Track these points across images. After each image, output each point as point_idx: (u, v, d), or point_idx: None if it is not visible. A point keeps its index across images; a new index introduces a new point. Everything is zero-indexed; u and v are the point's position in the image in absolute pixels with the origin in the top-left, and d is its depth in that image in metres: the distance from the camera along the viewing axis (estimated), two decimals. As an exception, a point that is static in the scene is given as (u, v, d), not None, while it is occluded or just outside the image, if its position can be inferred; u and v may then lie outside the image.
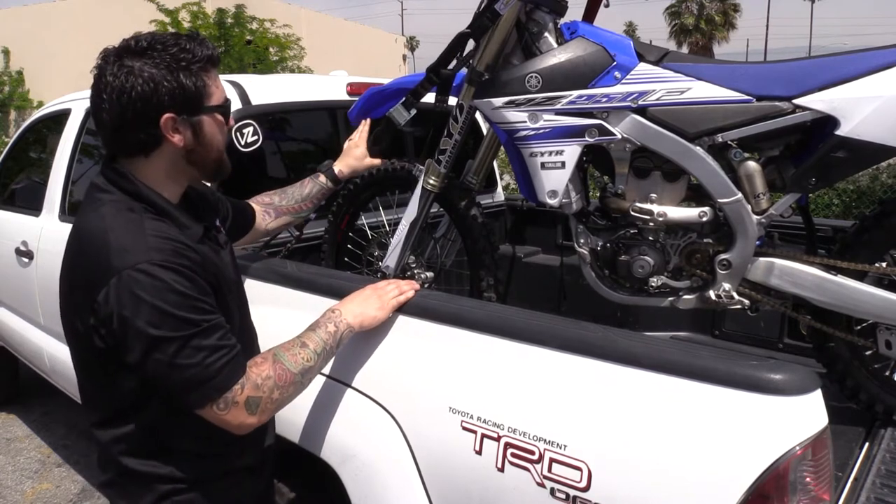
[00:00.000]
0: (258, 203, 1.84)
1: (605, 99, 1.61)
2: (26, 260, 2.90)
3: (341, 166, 1.99)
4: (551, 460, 1.18)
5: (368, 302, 1.45)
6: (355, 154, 2.01)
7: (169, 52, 1.18)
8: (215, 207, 1.54)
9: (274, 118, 2.55)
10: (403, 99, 1.88)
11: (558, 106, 1.63)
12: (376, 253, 2.18)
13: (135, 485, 1.27)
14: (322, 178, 1.95)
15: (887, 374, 1.74)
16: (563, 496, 1.17)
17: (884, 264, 1.63)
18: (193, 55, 1.20)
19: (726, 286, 1.67)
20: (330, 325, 1.37)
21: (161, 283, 1.11)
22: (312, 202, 1.93)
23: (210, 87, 1.24)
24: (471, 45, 1.77)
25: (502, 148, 1.83)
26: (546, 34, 1.72)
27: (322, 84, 2.76)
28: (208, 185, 1.58)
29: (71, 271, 1.22)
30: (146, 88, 1.16)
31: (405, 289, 1.50)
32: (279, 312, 1.68)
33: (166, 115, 1.19)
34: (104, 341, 1.15)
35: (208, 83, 1.23)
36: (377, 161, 2.02)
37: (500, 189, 3.40)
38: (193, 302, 1.15)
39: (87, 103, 2.85)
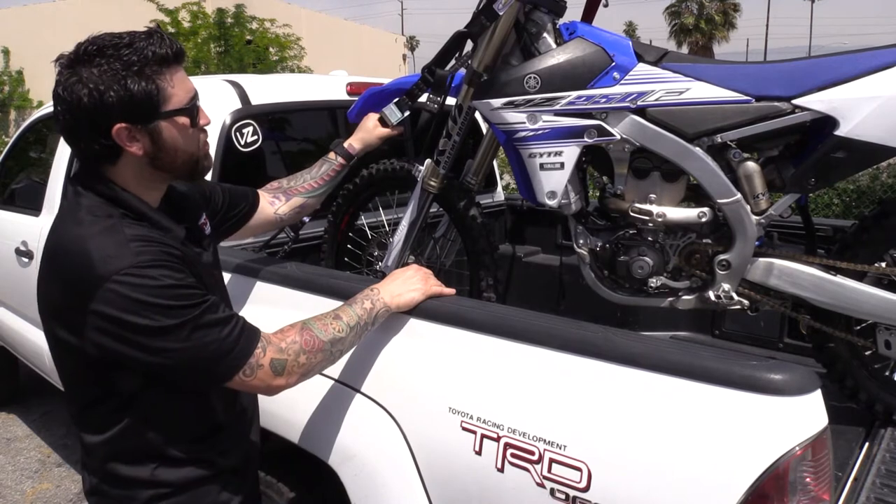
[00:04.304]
0: (266, 191, 1.79)
1: (603, 99, 1.61)
2: (26, 260, 2.90)
3: (352, 141, 1.91)
4: (551, 461, 1.18)
5: (409, 283, 1.47)
6: (366, 126, 1.91)
7: (120, 56, 1.11)
8: (204, 202, 1.52)
9: (274, 118, 2.55)
10: (397, 99, 1.87)
11: (557, 107, 1.63)
12: (376, 253, 2.18)
13: (118, 490, 1.26)
14: (332, 155, 1.88)
15: (887, 374, 1.74)
16: (563, 496, 1.17)
17: (883, 264, 1.63)
18: (145, 57, 1.12)
19: (726, 286, 1.67)
20: (367, 302, 1.39)
21: (153, 280, 1.10)
22: (324, 179, 1.85)
23: (166, 91, 1.15)
24: (469, 45, 1.77)
25: (502, 148, 1.83)
26: (545, 35, 1.72)
27: (322, 84, 2.76)
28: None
29: (52, 281, 1.18)
30: (92, 100, 1.10)
31: (445, 290, 1.51)
32: (279, 313, 1.68)
33: (118, 126, 1.13)
34: (100, 349, 1.12)
35: (163, 86, 1.15)
36: (387, 131, 1.90)
37: (500, 189, 3.40)
38: (188, 290, 1.15)
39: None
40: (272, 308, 1.68)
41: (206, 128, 1.29)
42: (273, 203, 1.77)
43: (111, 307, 1.09)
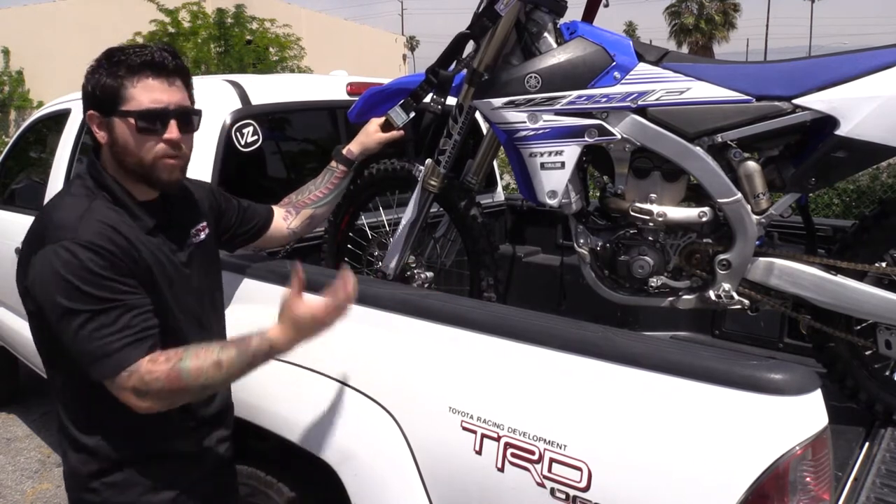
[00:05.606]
0: (281, 206, 1.85)
1: (604, 99, 1.61)
2: (26, 260, 2.90)
3: (351, 146, 1.95)
4: (551, 460, 1.18)
5: (307, 332, 1.30)
6: (367, 131, 1.95)
7: (112, 56, 1.29)
8: (213, 216, 1.56)
9: (274, 118, 2.55)
10: (402, 101, 1.88)
11: (558, 106, 1.63)
12: (376, 253, 2.18)
13: (71, 461, 1.34)
14: (333, 163, 1.93)
15: (887, 374, 1.74)
16: (563, 496, 1.17)
17: (884, 264, 1.63)
18: (120, 61, 1.28)
19: (726, 286, 1.67)
20: (252, 346, 1.25)
21: (77, 260, 1.19)
22: (328, 188, 1.91)
23: (128, 92, 1.27)
24: (470, 45, 1.77)
25: (502, 148, 1.83)
26: (545, 34, 1.72)
27: (322, 84, 2.76)
28: (212, 187, 1.64)
29: (24, 241, 1.32)
30: (83, 88, 1.32)
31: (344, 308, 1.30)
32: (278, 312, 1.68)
33: (90, 112, 1.32)
34: (33, 304, 1.25)
35: (128, 87, 1.27)
36: (386, 136, 1.92)
37: (500, 189, 3.39)
38: (106, 281, 1.21)
39: (86, 103, 2.85)
40: (271, 308, 1.68)
41: (180, 144, 1.31)
42: (286, 218, 1.84)
43: (37, 270, 1.22)
